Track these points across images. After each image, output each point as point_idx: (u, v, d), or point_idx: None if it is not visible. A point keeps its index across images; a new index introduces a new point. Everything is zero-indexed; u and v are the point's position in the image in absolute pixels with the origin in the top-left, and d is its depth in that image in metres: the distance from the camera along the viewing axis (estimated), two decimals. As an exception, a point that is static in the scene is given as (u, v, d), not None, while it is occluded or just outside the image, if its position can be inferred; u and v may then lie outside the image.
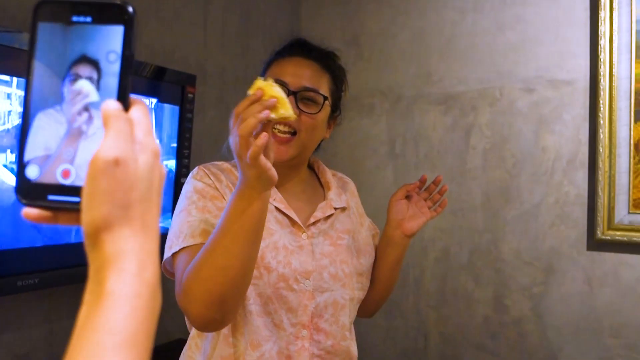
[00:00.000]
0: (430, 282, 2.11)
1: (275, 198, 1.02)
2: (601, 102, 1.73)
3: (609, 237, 1.74)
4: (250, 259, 0.86)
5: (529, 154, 1.94)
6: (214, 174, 0.99)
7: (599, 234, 1.75)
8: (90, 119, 0.40)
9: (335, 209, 1.09)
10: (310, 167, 1.17)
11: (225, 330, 0.94)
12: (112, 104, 0.39)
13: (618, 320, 1.78)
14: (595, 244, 1.79)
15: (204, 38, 1.99)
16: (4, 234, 1.24)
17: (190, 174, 1.00)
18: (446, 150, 2.09)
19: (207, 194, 0.95)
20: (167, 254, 0.92)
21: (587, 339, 1.83)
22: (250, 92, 0.84)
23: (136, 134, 0.39)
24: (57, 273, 1.36)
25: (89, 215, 0.38)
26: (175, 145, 1.67)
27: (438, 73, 2.12)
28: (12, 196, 0.43)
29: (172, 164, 1.68)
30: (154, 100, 1.59)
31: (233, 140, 0.81)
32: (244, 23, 2.17)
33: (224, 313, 0.86)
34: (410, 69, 2.18)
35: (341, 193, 1.14)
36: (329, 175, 1.15)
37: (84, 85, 0.40)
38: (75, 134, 0.40)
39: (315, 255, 1.02)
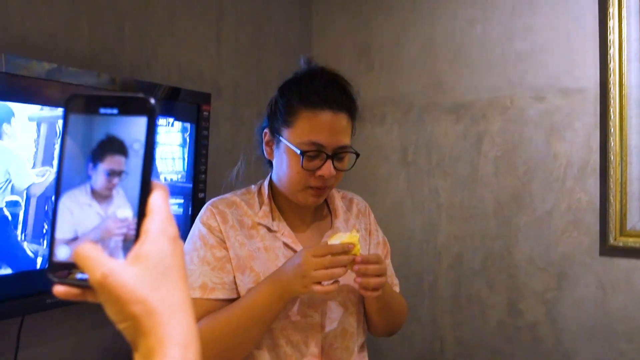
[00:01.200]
0: (444, 288, 2.14)
1: (284, 232, 1.06)
2: (611, 110, 1.74)
3: (621, 244, 1.75)
4: (262, 337, 0.96)
5: (540, 161, 1.96)
6: (221, 214, 1.03)
7: (611, 240, 1.77)
8: (114, 202, 0.44)
9: None
10: None
11: None
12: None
13: (632, 325, 1.80)
14: (607, 250, 1.81)
15: (218, 54, 2.04)
16: (30, 256, 1.30)
17: (200, 214, 1.05)
18: (458, 158, 2.12)
19: (209, 242, 1.00)
20: None
21: (601, 343, 1.85)
22: (344, 241, 0.94)
23: (154, 221, 0.43)
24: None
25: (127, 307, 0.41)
26: (191, 161, 1.72)
27: (449, 82, 2.14)
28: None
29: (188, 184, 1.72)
30: (171, 120, 1.64)
31: (310, 263, 0.90)
32: (256, 37, 2.22)
33: None
34: (421, 79, 2.21)
35: (349, 218, 1.16)
36: (337, 200, 1.17)
37: (114, 174, 0.44)
38: (101, 217, 0.44)
39: (323, 284, 1.03)
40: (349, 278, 1.06)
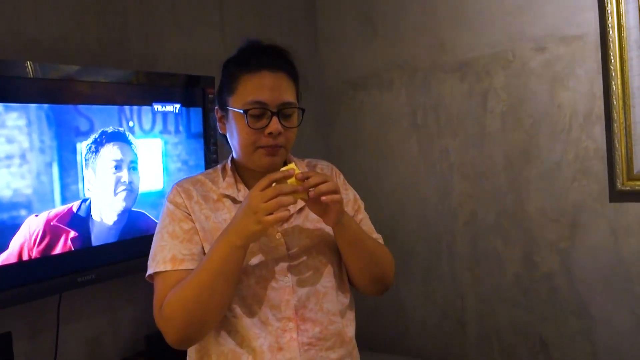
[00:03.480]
0: (461, 245, 2.19)
1: None
2: (611, 54, 1.72)
3: (629, 188, 1.74)
4: (232, 293, 1.00)
5: (545, 113, 1.95)
6: (186, 191, 1.08)
7: (619, 185, 1.76)
8: None
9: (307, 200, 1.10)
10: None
11: (216, 335, 1.04)
12: None
13: (646, 269, 1.80)
14: (616, 195, 1.80)
15: (222, 38, 2.12)
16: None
17: (167, 194, 1.10)
18: (465, 117, 2.14)
19: (176, 216, 1.06)
20: (147, 271, 1.05)
21: (617, 289, 1.86)
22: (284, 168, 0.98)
23: None
24: (110, 268, 1.56)
25: None
26: (202, 142, 1.83)
27: (451, 41, 2.15)
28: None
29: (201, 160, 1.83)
30: (178, 106, 1.75)
31: (257, 198, 0.93)
32: (260, 17, 2.28)
33: (201, 335, 1.01)
34: (423, 41, 2.22)
35: None
36: (300, 168, 1.14)
37: None
38: None
39: (291, 251, 1.07)
40: (318, 240, 1.09)
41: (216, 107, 1.13)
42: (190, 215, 1.07)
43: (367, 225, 1.24)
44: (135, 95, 1.65)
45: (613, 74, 1.72)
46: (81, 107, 1.50)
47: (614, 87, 1.73)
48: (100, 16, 1.71)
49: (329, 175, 1.08)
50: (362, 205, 1.25)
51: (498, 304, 2.11)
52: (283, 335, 1.04)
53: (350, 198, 1.22)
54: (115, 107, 1.59)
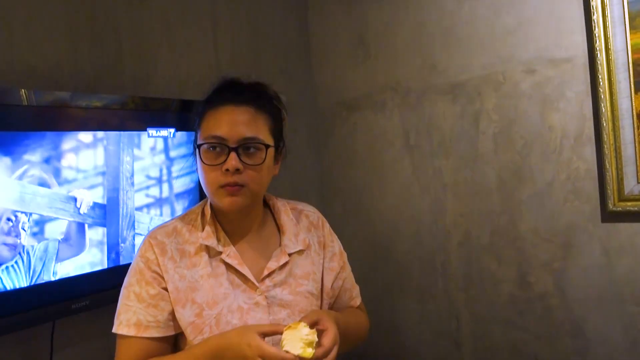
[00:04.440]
0: (456, 265, 2.20)
1: (230, 254, 1.02)
2: (600, 76, 1.75)
3: (620, 208, 1.76)
4: None
5: (536, 134, 1.97)
6: (159, 245, 1.01)
7: (610, 206, 1.78)
8: None
9: (290, 254, 1.07)
10: (268, 205, 1.15)
11: None
12: None
13: (638, 288, 1.81)
14: (608, 216, 1.81)
15: (216, 61, 2.14)
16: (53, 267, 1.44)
17: (139, 245, 1.04)
18: (458, 138, 2.16)
19: (144, 277, 1.00)
20: (114, 327, 1.04)
21: (610, 308, 1.87)
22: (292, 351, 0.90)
23: None
24: (103, 294, 1.55)
25: None
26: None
27: (442, 63, 2.18)
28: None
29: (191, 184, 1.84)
30: (172, 130, 1.76)
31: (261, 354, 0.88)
32: (253, 39, 2.30)
33: None
34: (415, 62, 2.24)
35: (299, 232, 1.11)
36: (284, 216, 1.12)
37: None
38: None
39: (273, 309, 1.02)
40: (301, 297, 1.04)
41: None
42: (161, 276, 1.01)
43: (350, 283, 1.19)
44: (129, 119, 1.66)
45: (602, 96, 1.75)
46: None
47: (603, 109, 1.75)
48: (93, 43, 1.73)
49: (334, 338, 0.96)
50: (346, 257, 1.20)
51: (493, 324, 2.12)
52: None
53: (336, 251, 1.17)
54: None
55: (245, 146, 1.00)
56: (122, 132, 1.62)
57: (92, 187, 1.53)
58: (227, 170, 0.98)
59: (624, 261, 1.83)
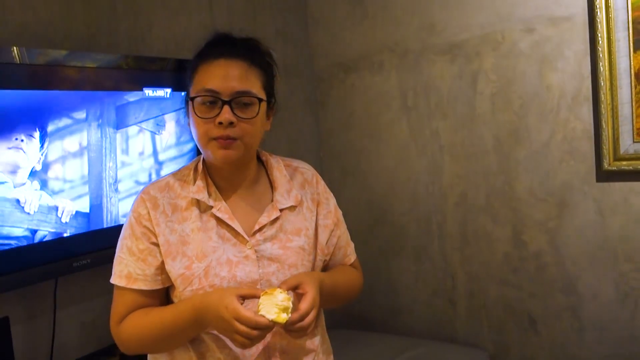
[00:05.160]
0: (452, 225, 2.22)
1: (220, 208, 1.03)
2: (599, 35, 1.73)
3: (615, 168, 1.78)
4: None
5: (534, 94, 1.97)
6: (152, 200, 1.03)
7: (605, 165, 1.79)
8: None
9: (282, 210, 1.07)
10: (262, 160, 1.15)
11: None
12: None
13: (631, 246, 1.84)
14: (603, 175, 1.83)
15: (212, 20, 2.11)
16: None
17: (133, 201, 1.07)
18: (455, 99, 2.15)
19: (135, 233, 1.03)
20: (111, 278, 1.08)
21: (603, 266, 1.91)
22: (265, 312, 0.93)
23: None
24: (104, 253, 1.57)
25: None
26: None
27: (441, 23, 2.15)
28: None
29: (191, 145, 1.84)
30: (169, 90, 1.74)
31: (233, 327, 0.91)
32: (249, 0, 2.26)
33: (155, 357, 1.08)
34: (413, 22, 2.22)
35: (291, 189, 1.11)
36: (276, 171, 1.12)
37: None
38: None
39: (262, 263, 1.03)
40: (291, 252, 1.06)
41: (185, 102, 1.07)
42: (150, 230, 1.03)
43: (345, 240, 1.20)
44: (125, 79, 1.65)
45: (601, 55, 1.74)
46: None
47: (602, 68, 1.75)
48: (87, 1, 1.70)
49: (311, 303, 0.96)
50: (341, 214, 1.21)
51: (487, 282, 2.16)
52: (248, 351, 1.02)
53: (331, 208, 1.17)
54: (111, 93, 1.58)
55: (238, 100, 1.00)
56: (114, 94, 1.61)
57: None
58: (220, 123, 0.98)
59: (618, 219, 1.86)
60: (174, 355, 1.06)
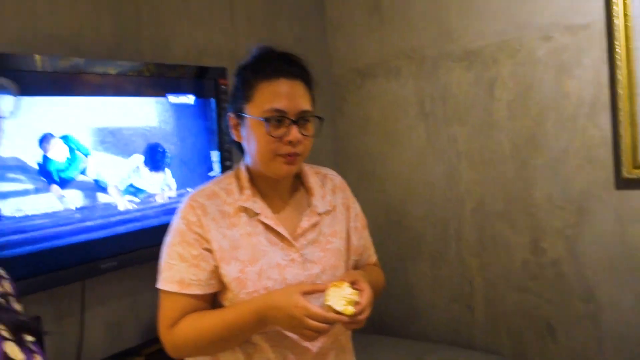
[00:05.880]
0: (469, 231, 2.23)
1: (267, 215, 1.10)
2: (617, 43, 1.74)
3: (634, 176, 1.77)
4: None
5: (552, 101, 1.97)
6: (201, 207, 1.07)
7: (624, 173, 1.79)
8: None
9: (320, 214, 1.14)
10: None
11: None
12: None
13: (650, 254, 1.84)
14: (622, 183, 1.83)
15: (233, 28, 2.15)
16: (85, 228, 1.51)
17: (181, 207, 1.10)
18: (472, 105, 2.17)
19: (186, 239, 1.06)
20: (157, 282, 1.09)
21: (622, 274, 1.90)
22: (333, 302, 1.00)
23: None
24: (131, 255, 1.62)
25: None
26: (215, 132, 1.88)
27: (458, 30, 2.17)
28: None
29: (215, 153, 1.88)
30: (193, 97, 1.79)
31: (303, 322, 0.97)
32: (269, 7, 2.31)
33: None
34: (431, 29, 2.24)
35: (325, 194, 1.18)
36: (311, 178, 1.19)
37: None
38: None
39: (306, 265, 1.10)
40: (331, 254, 1.13)
41: (230, 114, 1.12)
42: (204, 237, 1.07)
43: (369, 241, 1.28)
44: (149, 86, 1.69)
45: (619, 63, 1.75)
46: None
47: (620, 76, 1.75)
48: (114, 11, 1.75)
49: (369, 295, 1.04)
50: (364, 217, 1.28)
51: (506, 289, 2.16)
52: (297, 345, 1.07)
53: (358, 212, 1.25)
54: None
55: (302, 119, 1.07)
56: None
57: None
58: (289, 142, 1.05)
59: (637, 227, 1.85)
60: (219, 358, 1.09)
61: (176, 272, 1.06)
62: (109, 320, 1.73)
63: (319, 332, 0.98)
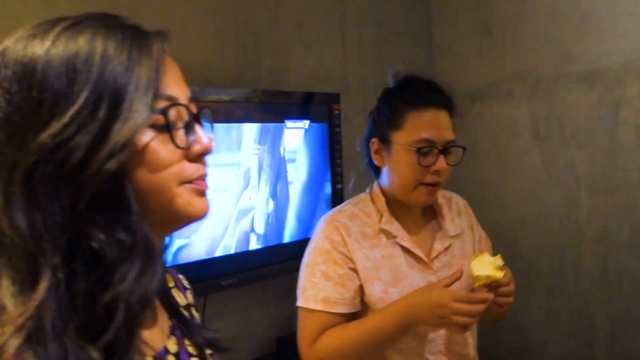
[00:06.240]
0: (590, 262, 2.09)
1: (403, 237, 1.12)
2: None
3: None
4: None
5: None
6: (344, 227, 1.10)
7: None
8: None
9: (451, 237, 1.17)
10: None
11: None
12: None
13: None
14: None
15: (343, 54, 2.21)
16: (210, 246, 1.59)
17: (321, 227, 1.12)
18: (594, 128, 2.05)
19: (331, 258, 1.08)
20: (298, 301, 1.10)
21: None
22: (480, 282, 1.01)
23: None
24: (250, 273, 1.68)
25: None
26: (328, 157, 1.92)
27: (577, 51, 2.07)
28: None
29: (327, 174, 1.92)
30: (307, 122, 1.85)
31: (451, 309, 0.98)
32: (377, 32, 2.34)
33: None
34: (546, 50, 2.16)
35: (454, 217, 1.21)
36: (441, 201, 1.21)
37: None
38: None
39: None
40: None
41: (373, 139, 1.15)
42: (348, 256, 1.09)
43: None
44: (267, 112, 1.77)
45: None
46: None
47: None
48: (236, 42, 1.87)
49: (510, 276, 1.08)
50: (490, 243, 1.28)
51: (634, 326, 1.99)
52: None
53: (482, 234, 1.26)
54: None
55: (447, 149, 1.10)
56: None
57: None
58: (436, 171, 1.07)
59: None
60: None
61: (320, 290, 1.08)
62: (224, 334, 1.79)
63: (469, 316, 0.97)
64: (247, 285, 1.75)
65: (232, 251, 1.63)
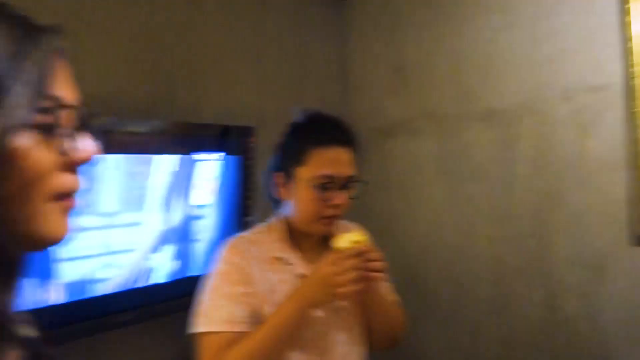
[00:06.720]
0: (484, 290, 2.20)
1: (297, 264, 1.19)
2: (636, 103, 1.78)
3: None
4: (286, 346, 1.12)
5: (572, 161, 2.00)
6: (244, 251, 1.16)
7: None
8: None
9: None
10: None
11: None
12: None
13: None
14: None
15: (260, 89, 2.26)
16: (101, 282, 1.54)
17: (222, 251, 1.17)
18: (492, 163, 2.20)
19: (231, 278, 1.13)
20: (195, 328, 1.11)
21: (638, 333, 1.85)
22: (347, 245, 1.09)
23: None
24: (148, 309, 1.64)
25: None
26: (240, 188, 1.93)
27: (478, 92, 2.23)
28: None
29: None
30: (223, 154, 1.86)
31: (329, 271, 1.04)
32: (295, 68, 2.41)
33: None
34: (452, 90, 2.31)
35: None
36: (340, 230, 1.26)
37: None
38: None
39: (336, 309, 1.20)
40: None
41: (277, 173, 1.20)
42: (247, 277, 1.13)
43: (389, 287, 1.35)
44: (180, 144, 1.77)
45: (638, 122, 1.78)
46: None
47: (638, 135, 1.77)
48: (150, 74, 1.86)
49: (369, 242, 1.17)
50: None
51: (520, 347, 2.11)
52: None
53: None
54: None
55: (347, 184, 1.16)
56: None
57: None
58: (335, 205, 1.14)
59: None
60: None
61: (225, 312, 1.10)
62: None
63: (347, 274, 1.03)
64: (139, 323, 1.69)
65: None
